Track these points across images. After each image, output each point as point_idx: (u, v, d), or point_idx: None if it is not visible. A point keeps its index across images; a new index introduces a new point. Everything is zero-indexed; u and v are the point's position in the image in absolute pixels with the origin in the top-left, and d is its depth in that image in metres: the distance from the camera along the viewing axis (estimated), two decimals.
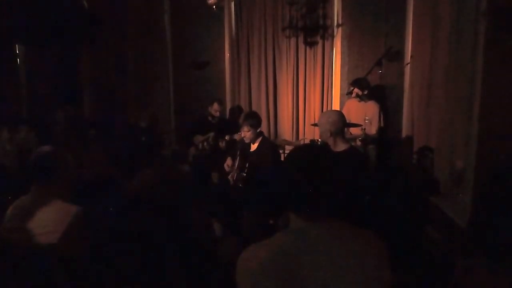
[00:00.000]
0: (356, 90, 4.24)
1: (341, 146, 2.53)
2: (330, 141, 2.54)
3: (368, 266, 1.07)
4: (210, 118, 4.70)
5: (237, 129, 3.72)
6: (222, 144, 4.48)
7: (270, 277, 1.02)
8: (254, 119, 3.32)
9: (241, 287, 1.08)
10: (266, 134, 5.37)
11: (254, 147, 3.42)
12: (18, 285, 1.57)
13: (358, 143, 4.01)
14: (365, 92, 4.26)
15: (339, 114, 2.64)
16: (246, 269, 1.08)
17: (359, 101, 4.31)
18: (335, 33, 5.02)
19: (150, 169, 1.68)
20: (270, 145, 3.45)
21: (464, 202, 2.98)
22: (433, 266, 2.45)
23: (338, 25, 4.91)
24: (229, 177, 3.43)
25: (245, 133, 3.32)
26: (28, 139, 3.11)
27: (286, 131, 5.49)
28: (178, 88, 5.59)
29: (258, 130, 3.38)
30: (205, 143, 4.57)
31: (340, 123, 2.54)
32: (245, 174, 3.29)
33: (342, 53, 4.85)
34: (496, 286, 1.62)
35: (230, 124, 4.72)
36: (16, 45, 4.21)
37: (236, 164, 3.44)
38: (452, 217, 3.10)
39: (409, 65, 4.52)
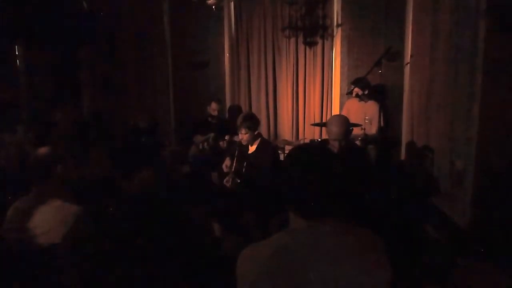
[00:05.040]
0: (356, 89, 4.24)
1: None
2: (339, 144, 2.53)
3: (368, 266, 1.07)
4: (210, 119, 4.70)
5: (237, 129, 3.71)
6: (222, 144, 4.48)
7: (270, 276, 1.02)
8: (251, 122, 3.29)
9: (241, 286, 1.08)
10: (266, 134, 5.37)
11: (252, 148, 3.41)
12: (19, 285, 1.57)
13: (358, 143, 4.01)
14: (366, 92, 4.26)
15: (346, 118, 2.66)
16: (246, 268, 1.08)
17: (359, 101, 4.31)
18: (334, 33, 5.02)
19: (149, 169, 1.68)
20: (269, 146, 3.44)
21: (464, 202, 2.98)
22: (432, 266, 2.45)
23: (337, 25, 4.91)
24: (224, 181, 3.40)
25: (243, 135, 3.30)
26: (26, 140, 3.10)
27: (286, 131, 5.49)
28: (178, 88, 5.59)
29: (256, 132, 3.36)
30: (205, 144, 4.56)
31: (350, 125, 2.61)
32: (239, 181, 3.27)
33: (341, 53, 4.85)
34: (496, 285, 1.62)
35: (230, 124, 4.72)
36: (16, 45, 4.21)
37: (234, 165, 3.43)
38: (451, 217, 3.10)
39: (409, 64, 4.52)
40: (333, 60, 5.11)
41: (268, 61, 5.40)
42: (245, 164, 3.31)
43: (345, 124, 2.56)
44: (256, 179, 3.23)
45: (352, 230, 1.13)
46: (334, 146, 2.53)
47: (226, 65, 5.48)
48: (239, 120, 3.32)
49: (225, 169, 3.53)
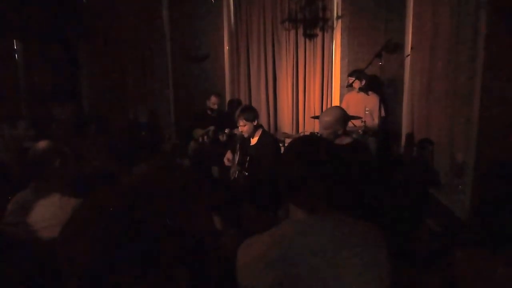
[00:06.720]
0: (356, 81, 4.23)
1: (345, 140, 2.50)
2: (335, 138, 2.49)
3: (368, 258, 1.07)
4: (209, 112, 4.69)
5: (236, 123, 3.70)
6: (222, 138, 4.48)
7: (269, 267, 1.03)
8: (249, 113, 3.28)
9: (241, 278, 1.08)
10: (266, 127, 5.36)
11: (254, 141, 3.41)
12: (19, 279, 1.58)
13: (357, 134, 4.00)
14: (363, 83, 4.25)
15: (342, 110, 2.55)
16: (246, 259, 1.08)
17: (358, 93, 4.30)
18: (334, 25, 4.99)
19: (149, 163, 1.68)
20: (270, 139, 3.43)
21: (464, 195, 2.98)
22: (431, 257, 2.46)
23: (337, 17, 4.87)
24: (231, 174, 3.41)
25: (242, 127, 3.30)
26: (27, 136, 3.10)
27: (286, 124, 5.49)
28: (178, 81, 5.58)
29: (255, 124, 3.36)
30: (205, 137, 4.56)
31: (345, 119, 2.52)
32: (247, 174, 3.27)
33: (342, 45, 4.83)
34: (494, 277, 1.63)
35: (229, 118, 4.71)
36: (15, 41, 4.19)
37: (236, 158, 3.42)
38: (451, 209, 3.11)
39: (409, 57, 4.50)
40: (333, 52, 5.09)
41: (268, 53, 5.37)
42: (248, 159, 3.31)
43: (334, 114, 2.46)
44: (259, 171, 3.23)
45: (352, 222, 1.13)
46: (324, 135, 2.49)
47: (225, 58, 5.46)
48: (237, 113, 3.32)
49: (226, 163, 3.53)
